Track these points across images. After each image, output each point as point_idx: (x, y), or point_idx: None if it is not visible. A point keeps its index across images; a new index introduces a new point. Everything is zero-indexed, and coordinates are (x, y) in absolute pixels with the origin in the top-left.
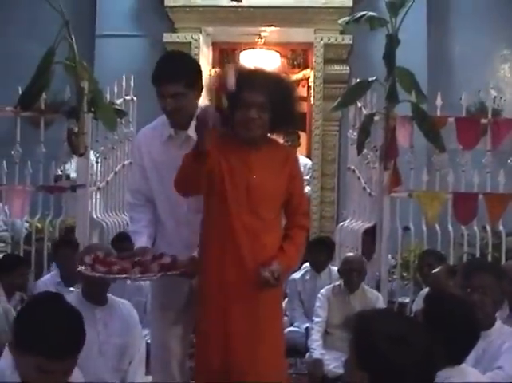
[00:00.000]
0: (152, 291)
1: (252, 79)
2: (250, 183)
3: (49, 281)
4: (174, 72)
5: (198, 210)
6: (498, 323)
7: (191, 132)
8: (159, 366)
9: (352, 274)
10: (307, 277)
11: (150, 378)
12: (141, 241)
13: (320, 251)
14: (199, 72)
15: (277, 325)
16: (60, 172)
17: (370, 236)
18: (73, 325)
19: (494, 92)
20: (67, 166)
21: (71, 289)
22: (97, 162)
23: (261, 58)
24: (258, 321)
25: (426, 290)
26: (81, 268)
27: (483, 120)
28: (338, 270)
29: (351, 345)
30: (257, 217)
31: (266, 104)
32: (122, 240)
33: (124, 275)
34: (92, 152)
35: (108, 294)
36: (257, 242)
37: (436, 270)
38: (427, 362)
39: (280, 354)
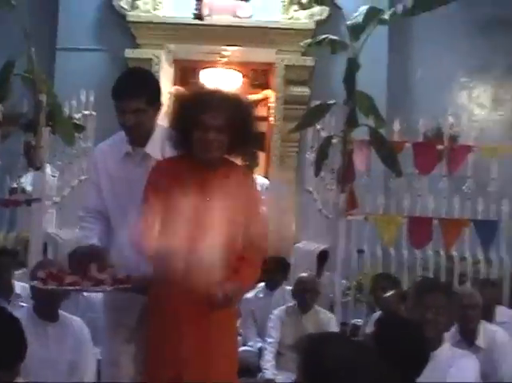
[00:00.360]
0: (104, 308)
1: (211, 101)
2: (204, 205)
3: None
4: (136, 87)
5: None
6: (447, 345)
7: (149, 149)
8: (105, 379)
9: (305, 295)
10: (260, 295)
11: None
12: (92, 241)
13: (275, 270)
14: (159, 89)
15: (230, 345)
16: (15, 185)
17: (321, 256)
18: (14, 334)
19: (451, 119)
20: (23, 179)
21: (22, 304)
22: (54, 176)
23: (222, 77)
24: (211, 340)
25: (378, 313)
26: (34, 282)
27: (440, 146)
28: (292, 291)
29: (299, 366)
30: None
31: (225, 127)
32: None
33: (77, 287)
34: (48, 166)
35: (60, 311)
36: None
37: (388, 294)
38: None
39: (233, 374)
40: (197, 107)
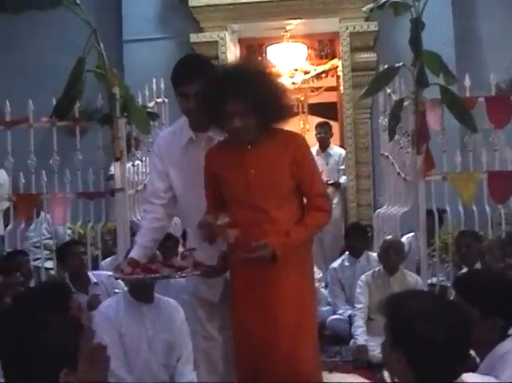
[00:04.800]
0: (188, 285)
1: (229, 88)
2: (248, 179)
3: None
4: (196, 70)
5: None
6: None
7: (212, 132)
8: (201, 354)
9: (392, 254)
10: (346, 263)
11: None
12: (133, 252)
13: (357, 237)
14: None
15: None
16: (112, 172)
17: None
18: None
19: None
20: (111, 169)
21: (116, 291)
22: (133, 165)
23: (288, 51)
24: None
25: (465, 270)
26: (117, 274)
27: None
28: (378, 254)
29: (386, 327)
30: (258, 210)
31: (248, 110)
32: (167, 239)
33: (165, 274)
34: (127, 156)
35: (156, 294)
36: (261, 233)
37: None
38: (461, 338)
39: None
40: (217, 96)
